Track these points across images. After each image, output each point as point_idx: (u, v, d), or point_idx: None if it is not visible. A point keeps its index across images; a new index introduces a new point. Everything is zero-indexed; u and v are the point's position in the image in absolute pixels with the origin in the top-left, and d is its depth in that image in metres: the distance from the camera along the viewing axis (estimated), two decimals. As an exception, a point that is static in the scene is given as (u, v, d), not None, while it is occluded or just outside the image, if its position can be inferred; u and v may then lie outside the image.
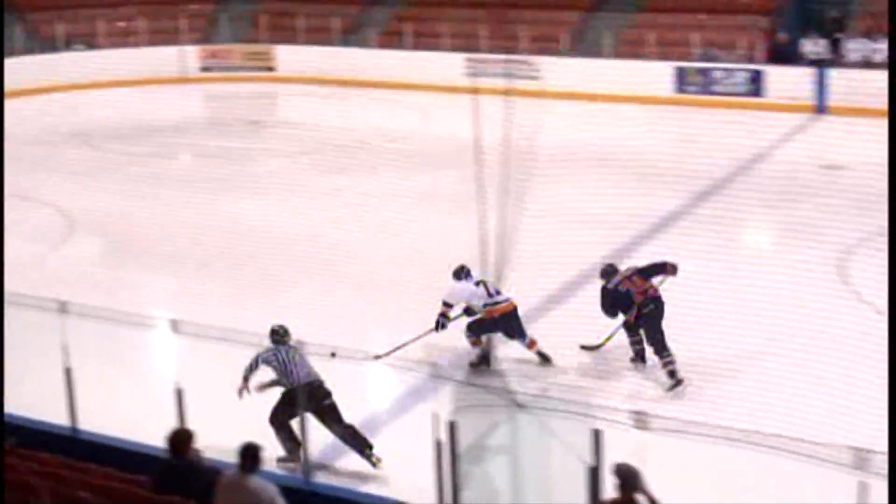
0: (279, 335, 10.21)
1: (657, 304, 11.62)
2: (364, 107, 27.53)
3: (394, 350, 11.97)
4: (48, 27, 32.64)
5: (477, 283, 12.10)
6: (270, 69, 32.96)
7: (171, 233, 16.98)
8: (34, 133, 26.28)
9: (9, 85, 29.27)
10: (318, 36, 32.44)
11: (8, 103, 28.17)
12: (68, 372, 9.52)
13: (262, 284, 14.53)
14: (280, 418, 9.96)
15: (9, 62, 30.08)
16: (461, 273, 12.25)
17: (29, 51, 31.79)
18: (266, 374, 10.02)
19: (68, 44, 32.61)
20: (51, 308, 9.35)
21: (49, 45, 32.39)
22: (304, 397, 9.42)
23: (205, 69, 33.10)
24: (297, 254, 14.85)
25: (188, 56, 32.90)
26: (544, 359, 12.10)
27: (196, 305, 13.85)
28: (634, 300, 11.64)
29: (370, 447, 9.90)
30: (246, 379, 10.05)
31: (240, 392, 10.04)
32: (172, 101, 29.58)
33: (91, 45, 32.75)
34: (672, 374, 11.40)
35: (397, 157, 22.08)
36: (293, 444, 9.85)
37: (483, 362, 12.04)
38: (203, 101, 31.69)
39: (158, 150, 23.96)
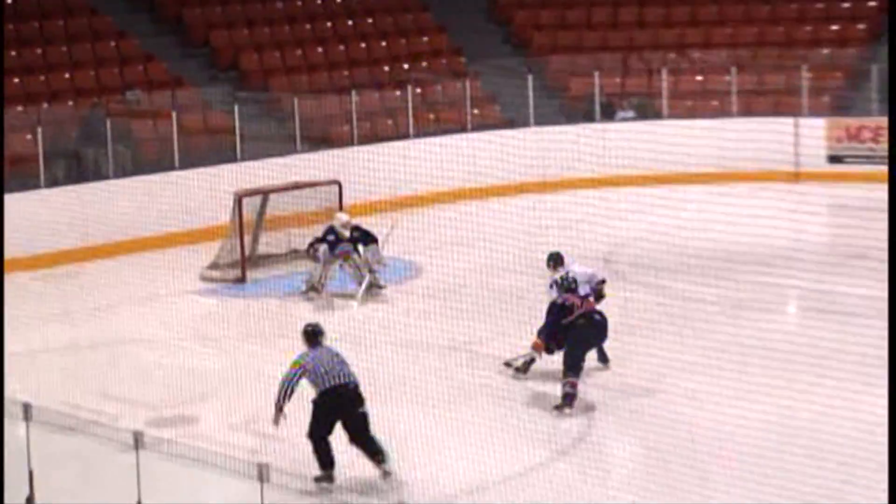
0: (311, 335, 15.29)
1: (593, 319, 17.93)
2: None
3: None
4: (580, 83, 34.59)
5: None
6: (950, 162, 32.73)
7: (742, 434, 16.94)
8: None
9: (520, 175, 31.81)
10: None
11: (518, 200, 30.56)
12: None
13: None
14: (318, 432, 14.93)
15: (502, 135, 32.31)
16: (552, 261, 19.47)
17: (550, 120, 33.40)
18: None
19: (609, 109, 34.26)
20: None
21: (582, 109, 34.39)
22: (339, 399, 14.99)
23: (834, 159, 33.35)
24: None
25: (808, 135, 32.91)
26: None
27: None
28: (574, 311, 17.92)
29: (385, 458, 15.11)
30: (280, 408, 15.00)
31: (275, 421, 15.07)
32: (770, 210, 27.51)
33: (645, 110, 34.27)
34: (567, 397, 17.46)
35: None
36: (329, 462, 14.97)
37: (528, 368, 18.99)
38: (826, 212, 31.11)
39: (736, 295, 23.47)
